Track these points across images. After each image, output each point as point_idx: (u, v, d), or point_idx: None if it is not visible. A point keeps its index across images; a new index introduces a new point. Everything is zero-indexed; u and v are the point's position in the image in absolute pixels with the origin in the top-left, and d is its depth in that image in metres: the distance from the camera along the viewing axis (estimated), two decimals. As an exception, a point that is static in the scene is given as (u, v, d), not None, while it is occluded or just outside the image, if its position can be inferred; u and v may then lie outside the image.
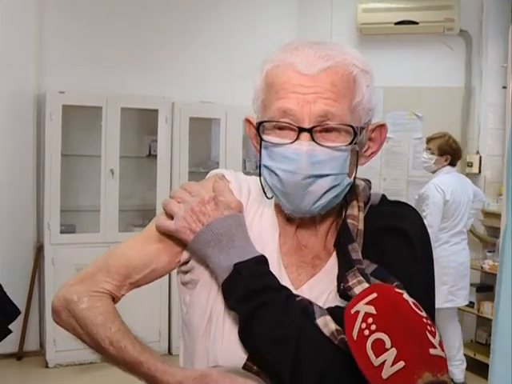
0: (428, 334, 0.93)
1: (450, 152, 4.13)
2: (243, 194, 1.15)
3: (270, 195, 1.12)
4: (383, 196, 1.19)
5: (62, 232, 4.51)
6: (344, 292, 1.03)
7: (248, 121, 1.13)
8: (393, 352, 0.90)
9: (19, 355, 4.52)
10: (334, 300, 1.06)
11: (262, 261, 1.05)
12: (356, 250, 1.07)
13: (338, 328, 0.98)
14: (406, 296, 0.97)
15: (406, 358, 0.90)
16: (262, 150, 1.07)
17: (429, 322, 0.95)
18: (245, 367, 1.02)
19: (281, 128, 1.04)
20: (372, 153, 1.13)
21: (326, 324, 0.99)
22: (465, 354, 4.24)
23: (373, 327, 0.92)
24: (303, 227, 1.12)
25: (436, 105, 5.00)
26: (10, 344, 4.28)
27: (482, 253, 4.83)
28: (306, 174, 1.02)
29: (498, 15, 4.74)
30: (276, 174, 1.05)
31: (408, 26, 4.93)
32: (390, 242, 1.09)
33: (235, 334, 1.03)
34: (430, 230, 1.22)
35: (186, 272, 1.14)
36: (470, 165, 4.88)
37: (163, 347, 4.69)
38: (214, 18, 5.15)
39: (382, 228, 1.10)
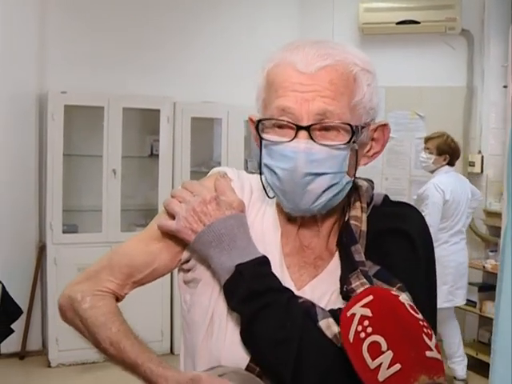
0: (424, 336, 0.92)
1: (448, 151, 4.12)
2: (245, 193, 1.15)
3: (271, 195, 1.11)
4: (386, 196, 1.18)
5: (64, 232, 4.51)
6: (347, 294, 1.03)
7: (251, 120, 1.13)
8: (389, 355, 0.90)
9: (22, 355, 4.52)
10: (337, 301, 1.06)
11: (263, 262, 1.05)
12: (359, 252, 1.06)
13: (341, 331, 0.98)
14: (402, 298, 0.96)
15: (403, 360, 0.90)
16: (263, 148, 1.07)
17: (425, 324, 0.95)
18: (247, 369, 1.02)
19: (280, 126, 1.04)
20: (375, 153, 1.12)
21: (329, 326, 0.99)
22: (467, 354, 4.24)
23: (369, 330, 0.92)
24: (305, 227, 1.12)
25: (438, 104, 4.99)
26: (12, 343, 4.29)
27: (484, 252, 4.83)
28: (303, 171, 1.01)
29: (500, 14, 4.73)
30: (275, 173, 1.05)
31: (410, 25, 4.92)
32: (393, 243, 1.09)
33: (238, 334, 1.03)
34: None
35: (187, 270, 1.14)
36: (472, 164, 4.88)
37: (165, 347, 4.69)
38: (214, 17, 5.15)
39: (384, 229, 1.10)
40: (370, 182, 1.17)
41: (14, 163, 4.55)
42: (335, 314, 1.00)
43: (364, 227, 1.09)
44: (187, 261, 1.13)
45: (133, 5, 4.91)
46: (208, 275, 1.10)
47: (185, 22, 5.06)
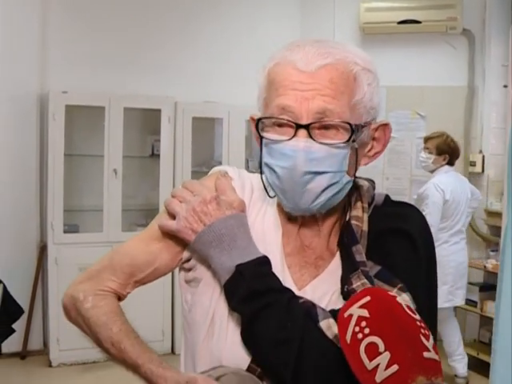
0: (422, 337, 0.92)
1: (448, 151, 4.11)
2: (246, 192, 1.15)
3: (272, 194, 1.11)
4: (387, 196, 1.18)
5: (65, 232, 4.51)
6: (348, 294, 1.03)
7: (252, 119, 1.12)
8: (386, 356, 0.90)
9: (23, 354, 4.52)
10: (337, 301, 1.06)
11: (264, 262, 1.05)
12: (360, 252, 1.06)
13: (342, 331, 0.97)
14: (399, 299, 0.96)
15: (400, 361, 0.89)
16: (263, 147, 1.07)
17: (422, 325, 0.94)
18: (249, 369, 1.02)
19: (280, 125, 1.04)
20: (376, 153, 1.12)
21: (330, 327, 0.99)
22: (468, 354, 4.24)
23: (366, 331, 0.92)
24: (306, 227, 1.12)
25: (439, 104, 4.99)
26: (13, 343, 4.29)
27: (485, 252, 4.82)
28: (302, 170, 1.01)
29: (501, 14, 4.73)
30: (275, 171, 1.04)
31: (411, 25, 4.92)
32: (394, 243, 1.09)
33: (239, 335, 1.03)
34: (430, 230, 1.22)
35: (188, 270, 1.14)
36: (473, 164, 4.88)
37: (166, 346, 4.69)
38: (215, 17, 5.15)
39: (385, 229, 1.10)
40: (371, 181, 1.17)
41: (15, 163, 4.55)
42: (336, 315, 1.00)
43: (365, 227, 1.09)
44: (188, 260, 1.13)
45: (134, 5, 4.91)
46: (209, 275, 1.10)
47: (185, 21, 5.06)
